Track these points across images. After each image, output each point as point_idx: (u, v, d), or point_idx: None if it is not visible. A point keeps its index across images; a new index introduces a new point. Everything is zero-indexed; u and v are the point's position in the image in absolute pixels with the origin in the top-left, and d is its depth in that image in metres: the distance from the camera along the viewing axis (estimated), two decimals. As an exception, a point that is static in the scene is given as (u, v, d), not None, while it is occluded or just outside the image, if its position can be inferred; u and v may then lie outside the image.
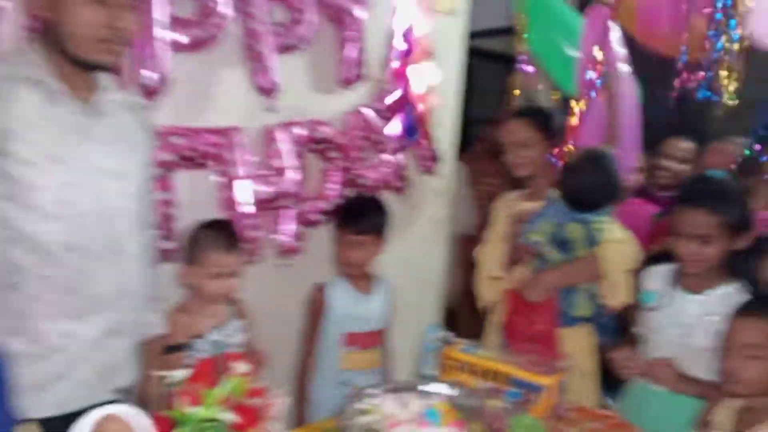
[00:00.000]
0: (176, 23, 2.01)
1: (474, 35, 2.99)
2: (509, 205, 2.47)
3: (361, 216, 2.28)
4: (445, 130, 2.90)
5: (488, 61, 4.27)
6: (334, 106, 2.51)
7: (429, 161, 2.82)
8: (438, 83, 2.83)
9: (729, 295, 1.85)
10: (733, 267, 1.89)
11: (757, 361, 1.53)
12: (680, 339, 1.90)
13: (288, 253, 2.33)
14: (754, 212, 1.96)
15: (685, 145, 2.87)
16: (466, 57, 2.96)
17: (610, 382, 2.16)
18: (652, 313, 1.99)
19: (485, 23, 3.01)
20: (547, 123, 2.34)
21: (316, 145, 2.41)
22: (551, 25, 2.82)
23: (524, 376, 1.76)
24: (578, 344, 2.26)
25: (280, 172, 2.26)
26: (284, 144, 2.28)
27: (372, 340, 2.28)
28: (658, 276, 2.03)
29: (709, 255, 1.86)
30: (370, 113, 2.59)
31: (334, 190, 2.47)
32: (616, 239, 2.19)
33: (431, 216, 2.92)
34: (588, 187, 2.22)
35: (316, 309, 2.28)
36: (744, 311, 1.61)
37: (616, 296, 2.18)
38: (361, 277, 2.31)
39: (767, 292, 1.83)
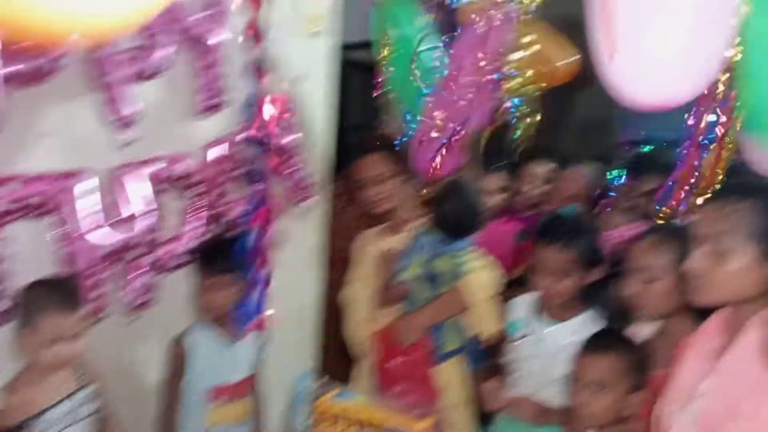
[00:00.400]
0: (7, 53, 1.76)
1: (353, 47, 2.95)
2: (371, 243, 2.43)
3: (219, 255, 2.15)
4: (318, 155, 2.82)
5: (365, 72, 4.24)
6: (194, 138, 2.36)
7: (301, 190, 2.72)
8: (310, 106, 2.76)
9: (588, 323, 1.92)
10: (592, 294, 1.96)
11: (602, 396, 1.59)
12: (543, 368, 1.95)
13: (139, 307, 2.15)
14: (605, 239, 2.03)
15: (544, 168, 2.95)
16: (337, 77, 2.90)
17: (485, 413, 2.18)
18: (517, 343, 2.03)
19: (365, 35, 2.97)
20: (401, 155, 2.32)
21: (174, 183, 2.25)
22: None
23: (399, 424, 1.72)
24: (451, 378, 2.28)
25: (130, 218, 2.08)
26: (136, 185, 2.10)
27: (242, 390, 2.17)
28: (522, 305, 2.08)
29: (563, 288, 1.93)
30: (233, 143, 2.45)
31: (196, 229, 2.32)
32: (476, 268, 2.24)
33: (303, 245, 2.80)
34: (455, 214, 2.26)
35: (176, 363, 2.13)
36: (588, 348, 1.67)
37: (486, 326, 2.22)
38: (225, 322, 2.17)
39: (625, 317, 1.90)
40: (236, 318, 2.18)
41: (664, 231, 1.74)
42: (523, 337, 2.01)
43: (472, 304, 2.21)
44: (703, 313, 1.64)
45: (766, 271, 1.23)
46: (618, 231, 2.61)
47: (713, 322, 1.38)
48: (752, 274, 1.23)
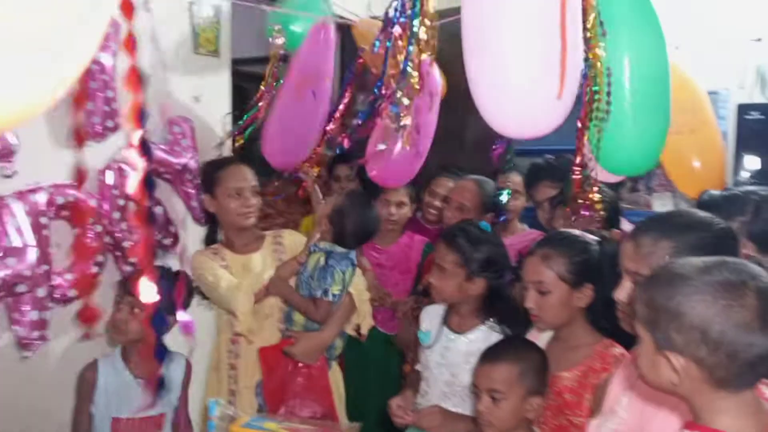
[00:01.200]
0: None
1: (253, 61, 2.95)
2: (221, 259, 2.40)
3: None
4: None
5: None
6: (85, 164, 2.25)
7: (202, 210, 2.66)
8: (206, 125, 2.72)
9: (487, 333, 1.98)
10: (487, 308, 2.02)
11: (502, 403, 1.65)
12: (449, 377, 2.00)
13: (29, 345, 2.03)
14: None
15: (448, 183, 3.03)
16: (230, 96, 2.88)
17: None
18: (426, 352, 2.08)
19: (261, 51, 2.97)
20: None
21: (61, 212, 2.14)
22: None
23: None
24: (338, 382, 2.40)
25: (11, 252, 1.96)
26: (16, 217, 1.98)
27: (149, 427, 2.07)
28: (432, 315, 2.13)
29: (442, 286, 2.00)
30: (127, 168, 2.37)
31: (91, 258, 2.21)
32: (357, 274, 2.39)
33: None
34: (353, 226, 2.34)
35: (83, 391, 2.05)
36: (483, 358, 1.73)
37: (366, 323, 2.43)
38: (136, 353, 2.08)
39: (522, 328, 1.97)
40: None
41: (556, 242, 1.80)
42: (431, 346, 2.06)
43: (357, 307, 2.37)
44: (593, 314, 1.76)
45: None
46: (511, 239, 2.74)
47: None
48: None
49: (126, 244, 2.35)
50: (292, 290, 2.35)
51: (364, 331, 2.44)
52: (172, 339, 2.21)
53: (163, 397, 2.09)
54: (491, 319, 2.00)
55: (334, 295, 2.29)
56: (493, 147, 2.62)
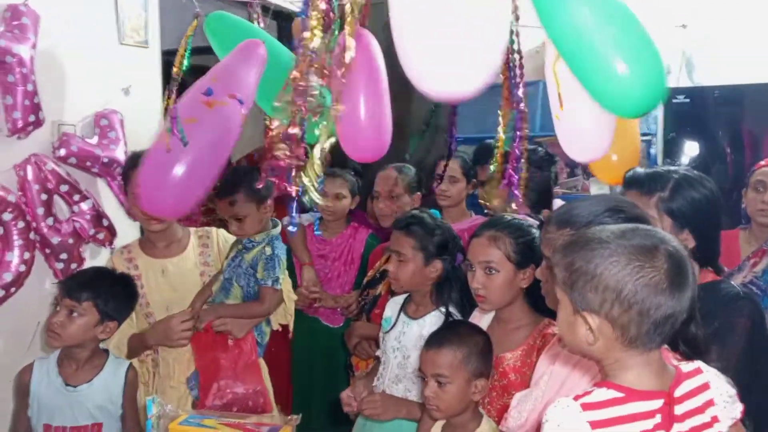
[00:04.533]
0: None
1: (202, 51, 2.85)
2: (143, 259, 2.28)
3: (76, 279, 1.99)
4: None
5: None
6: (1, 160, 2.17)
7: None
8: (138, 117, 2.64)
9: (436, 318, 2.01)
10: (441, 292, 2.05)
11: (447, 387, 1.66)
12: (401, 359, 2.03)
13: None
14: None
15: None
16: (162, 88, 2.79)
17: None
18: (386, 336, 2.11)
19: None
20: None
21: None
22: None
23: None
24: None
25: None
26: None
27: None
28: (394, 303, 2.17)
29: (402, 273, 2.03)
30: (49, 161, 2.27)
31: (17, 257, 2.11)
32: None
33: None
34: None
35: (19, 394, 1.96)
36: (427, 343, 1.74)
37: (291, 322, 2.37)
38: (73, 360, 1.96)
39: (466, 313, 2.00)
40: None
41: (502, 224, 1.83)
42: (389, 331, 2.09)
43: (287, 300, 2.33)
44: (533, 295, 1.79)
45: None
46: (457, 224, 2.76)
47: None
48: None
49: (54, 240, 2.26)
50: (221, 308, 2.24)
51: (291, 327, 2.40)
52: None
53: (105, 407, 1.98)
54: (444, 305, 2.03)
55: (279, 282, 2.26)
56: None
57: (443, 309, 2.02)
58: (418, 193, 2.85)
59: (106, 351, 2.03)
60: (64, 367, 1.96)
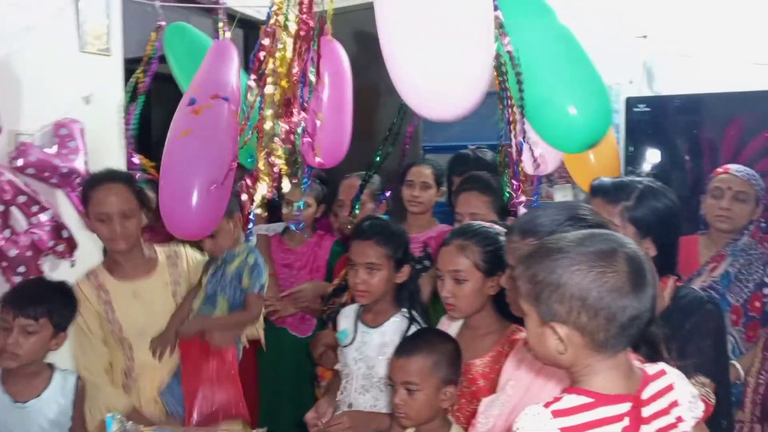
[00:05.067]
0: None
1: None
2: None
3: (28, 298, 1.92)
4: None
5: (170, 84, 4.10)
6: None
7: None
8: (99, 126, 2.60)
9: (398, 325, 2.00)
10: (401, 297, 2.05)
11: (416, 395, 1.66)
12: (366, 370, 2.01)
13: None
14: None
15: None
16: (125, 96, 2.75)
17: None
18: (345, 350, 2.07)
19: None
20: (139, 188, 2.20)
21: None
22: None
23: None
24: None
25: None
26: None
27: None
28: (348, 314, 2.13)
29: (375, 284, 1.99)
30: (6, 172, 2.21)
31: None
32: None
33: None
34: None
35: None
36: (397, 351, 1.74)
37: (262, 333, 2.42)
38: (21, 376, 1.91)
39: (429, 318, 2.02)
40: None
41: (470, 232, 1.83)
42: (350, 343, 2.06)
43: None
44: (500, 302, 1.80)
45: None
46: (425, 233, 2.77)
47: None
48: None
49: (12, 252, 2.19)
50: (205, 321, 2.23)
51: (263, 341, 2.43)
52: (63, 356, 2.10)
53: (48, 420, 1.92)
54: (404, 309, 2.02)
55: (264, 289, 2.29)
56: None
57: (406, 312, 2.01)
58: (383, 201, 2.85)
59: (50, 364, 1.99)
60: (9, 385, 1.91)
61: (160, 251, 2.29)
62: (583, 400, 1.05)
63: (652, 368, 1.13)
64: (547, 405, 1.05)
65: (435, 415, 1.67)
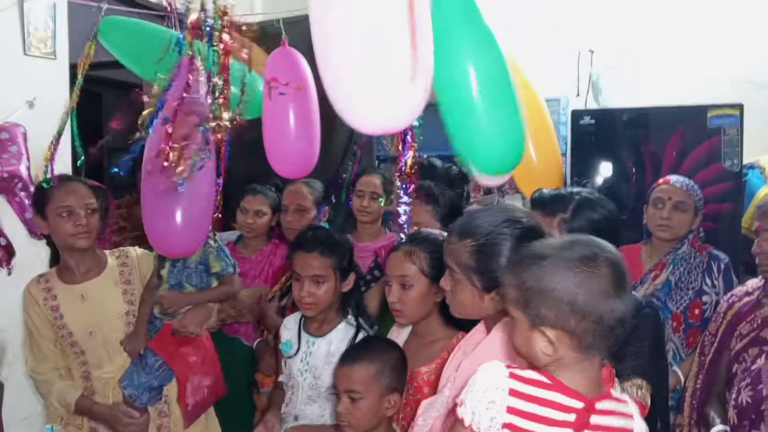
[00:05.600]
0: None
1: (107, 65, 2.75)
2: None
3: None
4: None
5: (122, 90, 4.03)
6: None
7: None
8: (44, 131, 2.52)
9: (343, 333, 2.00)
10: (346, 305, 2.05)
11: (360, 403, 1.67)
12: (312, 380, 1.99)
13: None
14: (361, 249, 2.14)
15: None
16: (69, 100, 2.69)
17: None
18: (289, 361, 2.05)
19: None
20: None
21: None
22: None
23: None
24: None
25: None
26: None
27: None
28: (290, 324, 2.11)
29: (322, 295, 1.97)
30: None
31: None
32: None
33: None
34: None
35: None
36: (341, 360, 1.75)
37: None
38: None
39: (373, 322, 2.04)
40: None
41: (418, 239, 1.85)
42: (294, 354, 2.04)
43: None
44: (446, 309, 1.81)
45: (491, 299, 1.41)
46: (375, 242, 2.78)
47: (478, 328, 1.54)
48: (477, 301, 1.43)
49: (-54, 262, 2.13)
50: (191, 295, 2.23)
51: None
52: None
53: None
54: (350, 316, 2.02)
55: (236, 266, 2.30)
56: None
57: (352, 320, 2.01)
58: (327, 207, 2.85)
59: None
60: None
61: (109, 253, 2.29)
62: (542, 378, 1.10)
63: (617, 392, 1.16)
64: (508, 366, 1.11)
65: (379, 423, 1.68)
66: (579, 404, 1.08)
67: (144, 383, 2.15)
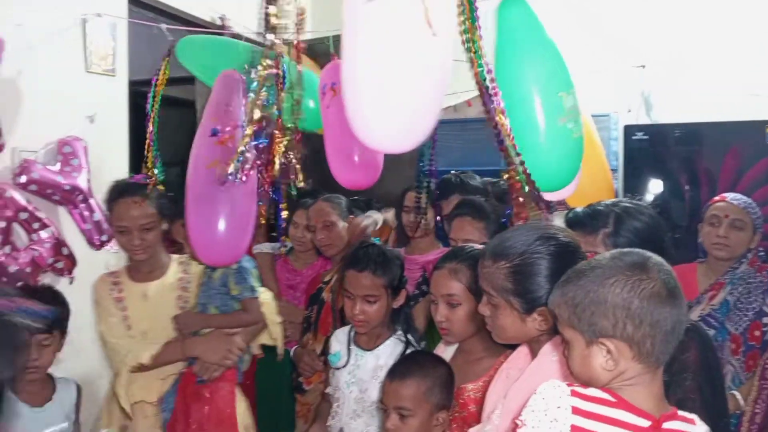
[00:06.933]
0: None
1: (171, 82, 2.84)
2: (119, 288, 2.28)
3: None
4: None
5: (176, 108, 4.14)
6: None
7: (98, 233, 2.54)
8: (103, 145, 2.63)
9: (392, 348, 2.00)
10: (395, 320, 2.05)
11: (409, 419, 1.65)
12: (358, 394, 1.99)
13: None
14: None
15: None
16: (129, 116, 2.79)
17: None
18: (337, 373, 2.06)
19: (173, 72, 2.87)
20: (161, 199, 2.24)
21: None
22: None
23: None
24: (243, 403, 2.30)
25: None
26: None
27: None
28: (340, 336, 2.12)
29: (374, 313, 1.98)
30: (9, 188, 2.24)
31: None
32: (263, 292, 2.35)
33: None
34: None
35: None
36: (390, 375, 1.74)
37: (281, 343, 2.41)
38: (33, 383, 1.98)
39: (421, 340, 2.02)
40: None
41: (463, 256, 1.80)
42: (342, 366, 2.04)
43: (270, 322, 2.32)
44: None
45: (533, 320, 1.37)
46: (425, 256, 2.77)
47: (520, 350, 1.51)
48: (519, 324, 1.39)
49: (11, 269, 2.21)
50: (207, 318, 2.25)
51: (281, 351, 2.42)
52: (63, 364, 2.12)
53: (60, 423, 2.02)
54: (403, 331, 2.02)
55: (256, 290, 2.28)
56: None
57: (401, 335, 2.01)
58: (351, 216, 2.81)
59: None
60: (22, 394, 1.96)
61: (175, 258, 2.36)
62: (606, 396, 1.08)
63: (684, 412, 1.13)
64: (569, 384, 1.08)
65: (428, 439, 1.66)
66: (646, 423, 1.06)
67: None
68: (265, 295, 2.33)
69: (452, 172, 2.99)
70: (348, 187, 2.34)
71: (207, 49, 2.46)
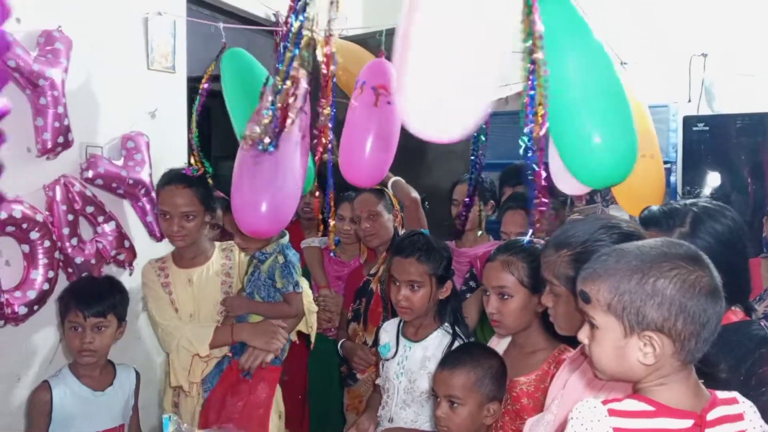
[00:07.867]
0: None
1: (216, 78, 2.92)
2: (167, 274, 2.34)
3: (93, 297, 2.04)
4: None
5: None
6: (31, 180, 2.24)
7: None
8: (164, 140, 2.71)
9: (441, 339, 2.01)
10: (443, 312, 2.06)
11: (459, 409, 1.67)
12: (408, 384, 2.02)
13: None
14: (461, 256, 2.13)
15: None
16: (188, 112, 2.86)
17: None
18: (386, 364, 2.09)
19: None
20: (206, 191, 2.29)
21: (9, 228, 2.10)
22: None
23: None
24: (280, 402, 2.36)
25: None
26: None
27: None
28: (390, 328, 2.15)
29: (418, 300, 2.00)
30: (77, 183, 2.33)
31: (41, 275, 2.17)
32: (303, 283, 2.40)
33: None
34: None
35: (38, 411, 1.99)
36: (441, 365, 1.75)
37: (313, 334, 2.46)
38: (95, 368, 2.07)
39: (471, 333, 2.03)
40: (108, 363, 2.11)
41: (515, 248, 1.81)
42: (391, 357, 2.08)
43: (307, 311, 2.38)
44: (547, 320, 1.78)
45: None
46: (474, 249, 2.77)
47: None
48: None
49: (78, 260, 2.31)
50: (253, 303, 2.31)
51: (313, 338, 2.46)
52: (121, 350, 2.21)
53: (124, 409, 2.11)
54: (450, 324, 2.03)
55: (300, 285, 2.32)
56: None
57: (449, 327, 2.03)
58: (396, 209, 2.83)
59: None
60: (85, 378, 2.05)
61: (218, 245, 2.42)
62: (644, 407, 1.03)
63: (723, 393, 1.09)
64: (605, 402, 1.03)
65: (476, 430, 1.67)
66: (688, 422, 1.01)
67: None
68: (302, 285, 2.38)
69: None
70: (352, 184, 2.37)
71: (243, 67, 2.49)
